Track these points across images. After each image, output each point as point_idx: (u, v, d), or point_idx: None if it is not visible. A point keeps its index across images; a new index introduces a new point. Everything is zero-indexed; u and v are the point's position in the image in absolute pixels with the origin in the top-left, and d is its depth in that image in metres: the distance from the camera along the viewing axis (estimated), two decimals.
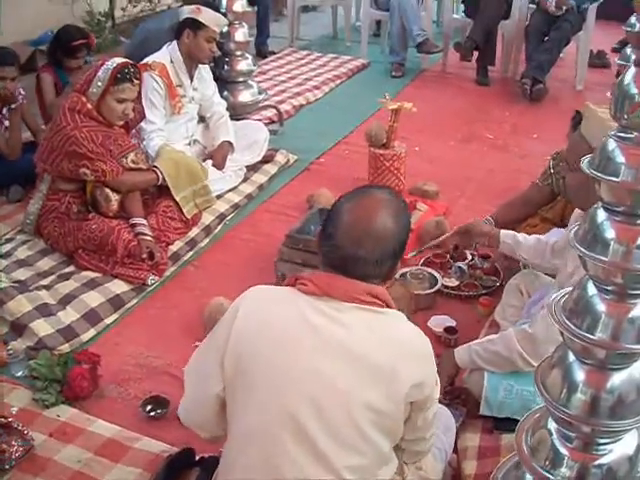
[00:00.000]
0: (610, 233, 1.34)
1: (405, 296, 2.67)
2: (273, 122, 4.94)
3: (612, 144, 1.38)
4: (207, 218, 3.65)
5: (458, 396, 2.37)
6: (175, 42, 3.82)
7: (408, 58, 6.30)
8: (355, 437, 1.49)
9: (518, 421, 2.22)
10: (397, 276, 3.06)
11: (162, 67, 3.74)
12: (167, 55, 3.80)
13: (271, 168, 4.24)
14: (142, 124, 3.69)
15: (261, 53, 6.63)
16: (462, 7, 6.43)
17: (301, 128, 4.97)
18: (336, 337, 1.51)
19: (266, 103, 4.91)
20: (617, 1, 5.16)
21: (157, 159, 3.52)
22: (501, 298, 2.92)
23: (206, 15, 3.77)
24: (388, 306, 1.59)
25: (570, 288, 1.44)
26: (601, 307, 1.36)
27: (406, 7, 5.92)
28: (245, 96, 4.59)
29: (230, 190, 3.93)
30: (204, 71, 4.03)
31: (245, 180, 4.07)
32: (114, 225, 3.17)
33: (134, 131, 3.69)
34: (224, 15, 4.30)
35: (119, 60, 3.21)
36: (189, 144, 4.03)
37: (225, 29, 4.34)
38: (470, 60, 6.00)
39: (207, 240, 3.57)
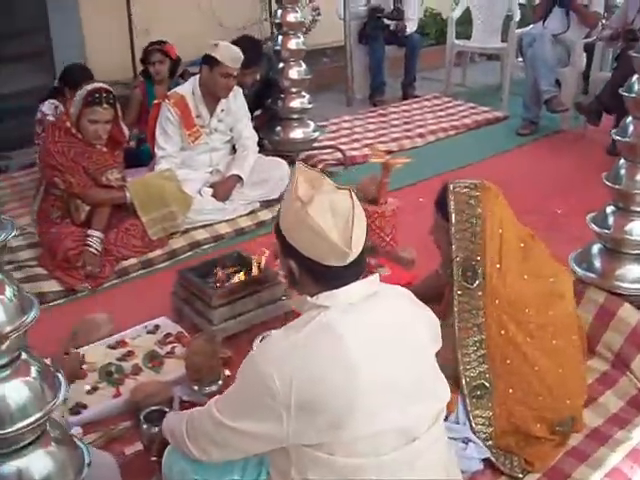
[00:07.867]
0: None
1: (207, 352, 2.57)
2: (341, 164, 4.90)
3: None
4: (177, 242, 3.77)
5: None
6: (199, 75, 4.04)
7: (545, 116, 5.74)
8: None
9: None
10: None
11: (180, 98, 3.97)
12: (190, 87, 4.04)
13: None
14: (155, 149, 3.99)
15: (406, 95, 6.56)
16: (613, 63, 5.70)
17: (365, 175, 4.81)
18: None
19: (329, 143, 4.88)
20: None
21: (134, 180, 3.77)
22: None
23: (222, 51, 3.92)
24: None
25: None
26: None
27: (537, 60, 5.39)
28: (296, 133, 4.64)
29: (225, 221, 4.00)
30: (237, 103, 4.16)
31: (249, 214, 4.11)
32: (63, 231, 3.50)
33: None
34: (278, 52, 4.44)
35: (94, 85, 3.51)
36: (211, 172, 4.21)
37: (281, 65, 4.45)
38: (598, 125, 5.24)
39: (166, 263, 3.67)
